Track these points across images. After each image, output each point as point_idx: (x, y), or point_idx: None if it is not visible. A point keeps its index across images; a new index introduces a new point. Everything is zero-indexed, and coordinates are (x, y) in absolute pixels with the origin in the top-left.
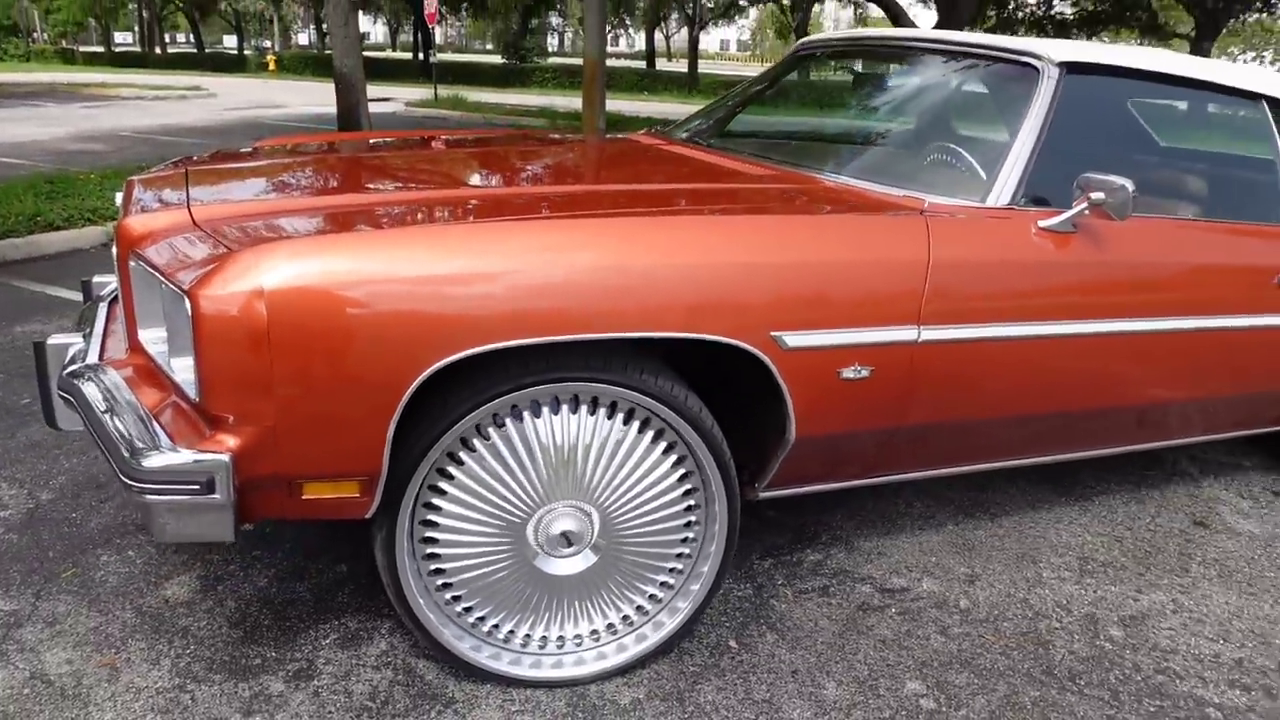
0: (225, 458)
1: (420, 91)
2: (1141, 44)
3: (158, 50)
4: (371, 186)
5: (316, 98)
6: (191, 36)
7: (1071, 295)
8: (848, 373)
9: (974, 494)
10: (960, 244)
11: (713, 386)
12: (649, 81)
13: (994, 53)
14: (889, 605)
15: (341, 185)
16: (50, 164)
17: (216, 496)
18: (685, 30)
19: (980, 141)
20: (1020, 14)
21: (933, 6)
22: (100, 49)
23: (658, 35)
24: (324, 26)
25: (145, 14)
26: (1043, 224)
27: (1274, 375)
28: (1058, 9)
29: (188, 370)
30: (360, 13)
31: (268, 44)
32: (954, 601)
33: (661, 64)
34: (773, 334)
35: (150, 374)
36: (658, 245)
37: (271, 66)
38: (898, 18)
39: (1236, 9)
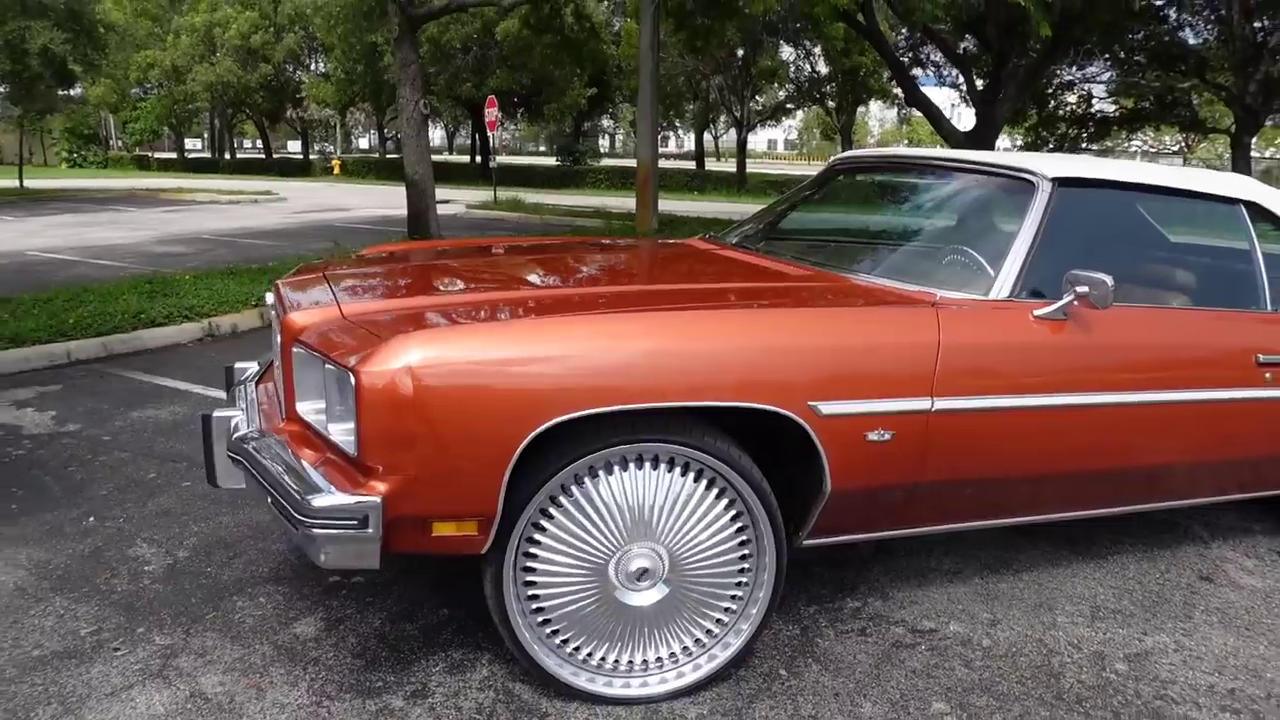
0: (377, 499)
1: (480, 193)
2: (1184, 139)
3: (227, 156)
4: (477, 287)
5: (379, 200)
6: (259, 142)
7: (1064, 372)
8: (873, 435)
9: (998, 552)
10: (966, 330)
11: (765, 453)
12: (698, 181)
13: (997, 169)
14: (919, 643)
15: (452, 286)
16: (140, 265)
17: (369, 530)
18: (734, 131)
19: (985, 244)
20: (1061, 112)
21: (973, 106)
22: (173, 155)
23: (706, 136)
24: (385, 132)
25: (217, 122)
26: (1038, 313)
27: (1265, 442)
28: (1098, 106)
29: (345, 432)
30: None
31: (331, 149)
32: (977, 641)
33: (711, 163)
34: (810, 403)
35: (304, 438)
36: (716, 333)
37: (336, 171)
38: (937, 120)
39: (1276, 104)
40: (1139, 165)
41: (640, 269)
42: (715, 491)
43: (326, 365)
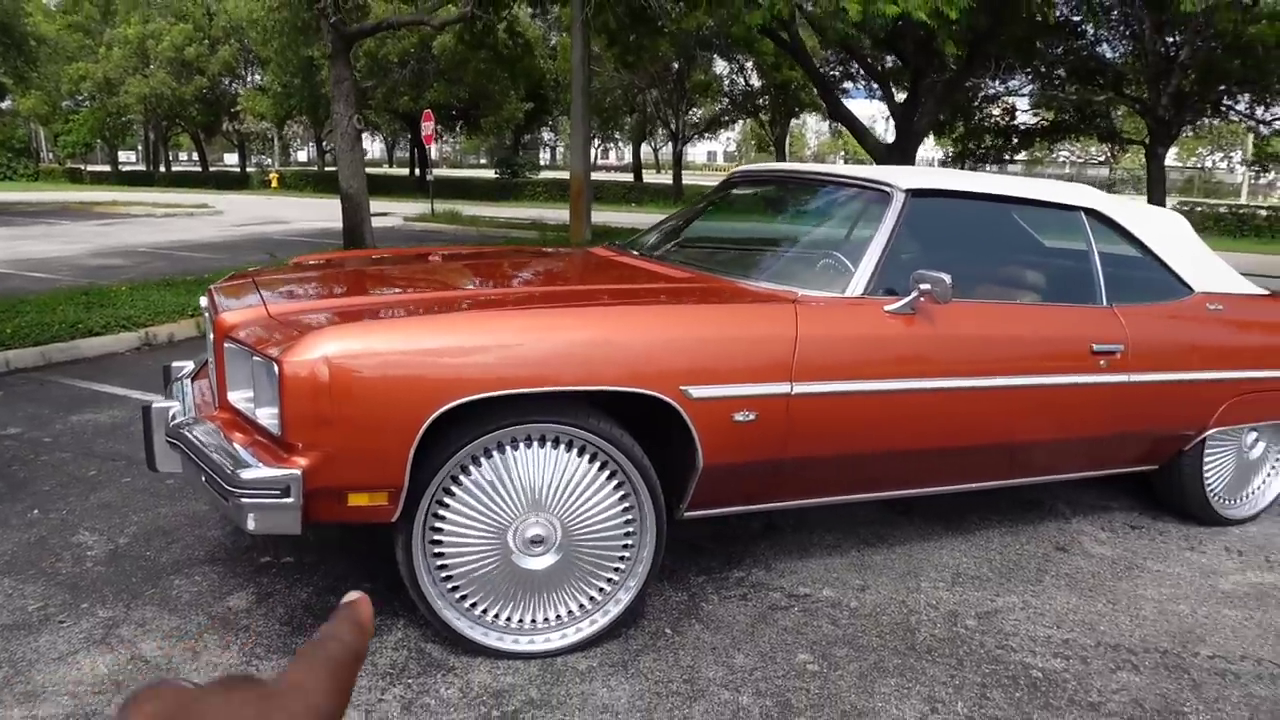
0: (298, 472)
1: (418, 206)
2: (1110, 150)
3: (163, 169)
4: (392, 289)
5: (318, 213)
6: (195, 155)
7: (912, 360)
8: (739, 416)
9: (875, 528)
10: (821, 323)
11: (648, 435)
12: (636, 194)
13: (861, 182)
14: (793, 605)
15: (371, 288)
16: (75, 278)
17: (291, 500)
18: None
19: (848, 248)
20: (986, 124)
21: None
22: (107, 168)
23: (646, 149)
24: (323, 144)
25: (151, 135)
26: (888, 308)
27: (1106, 423)
28: (1021, 119)
29: (271, 416)
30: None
31: (269, 162)
32: (846, 603)
33: (650, 175)
34: (681, 388)
35: (235, 424)
36: (599, 326)
37: (274, 184)
38: (860, 134)
39: (1187, 117)
40: (991, 177)
41: (542, 273)
42: (601, 468)
43: (254, 357)
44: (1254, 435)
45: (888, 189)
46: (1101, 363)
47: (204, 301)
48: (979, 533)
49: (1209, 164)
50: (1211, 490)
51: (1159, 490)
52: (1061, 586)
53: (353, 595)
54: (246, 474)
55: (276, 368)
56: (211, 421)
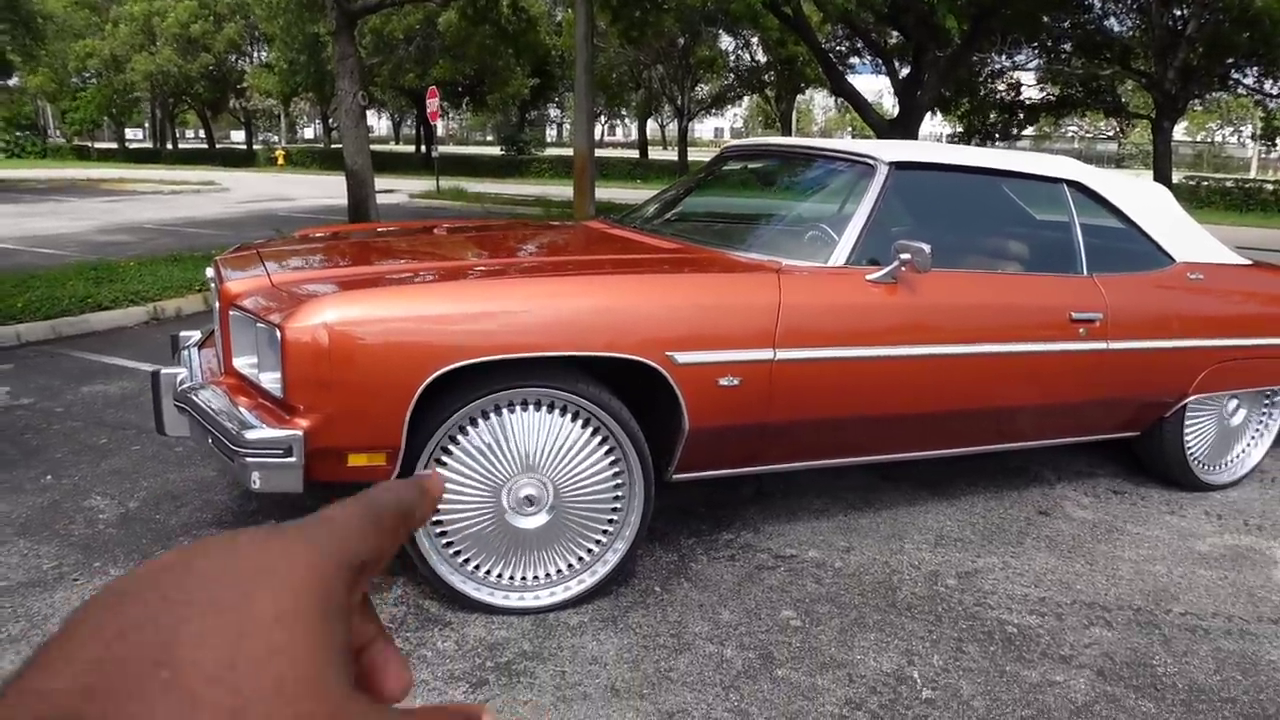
0: (300, 433)
1: (423, 183)
2: (1119, 125)
3: (169, 146)
4: (391, 260)
5: (323, 190)
6: (201, 132)
7: (894, 328)
8: (723, 381)
9: (862, 493)
10: (803, 292)
11: (638, 400)
12: (641, 170)
13: (848, 155)
14: (779, 566)
15: (371, 259)
16: (83, 253)
17: (293, 459)
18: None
19: (833, 219)
20: (992, 99)
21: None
22: (114, 145)
23: (652, 125)
24: (329, 122)
25: (158, 112)
26: (869, 277)
27: (1086, 390)
28: (1027, 94)
29: (274, 380)
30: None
31: (275, 139)
32: (830, 563)
33: (657, 151)
34: (668, 353)
35: (240, 388)
36: (588, 294)
37: (280, 161)
38: (863, 109)
39: (1194, 90)
40: (974, 150)
41: (536, 245)
42: (592, 431)
43: (258, 324)
44: (1234, 403)
45: (871, 162)
46: (1081, 330)
47: (210, 272)
48: (963, 497)
49: (1219, 138)
50: (1193, 456)
51: (1142, 456)
52: (1041, 548)
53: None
54: (251, 434)
55: (279, 333)
56: (217, 386)
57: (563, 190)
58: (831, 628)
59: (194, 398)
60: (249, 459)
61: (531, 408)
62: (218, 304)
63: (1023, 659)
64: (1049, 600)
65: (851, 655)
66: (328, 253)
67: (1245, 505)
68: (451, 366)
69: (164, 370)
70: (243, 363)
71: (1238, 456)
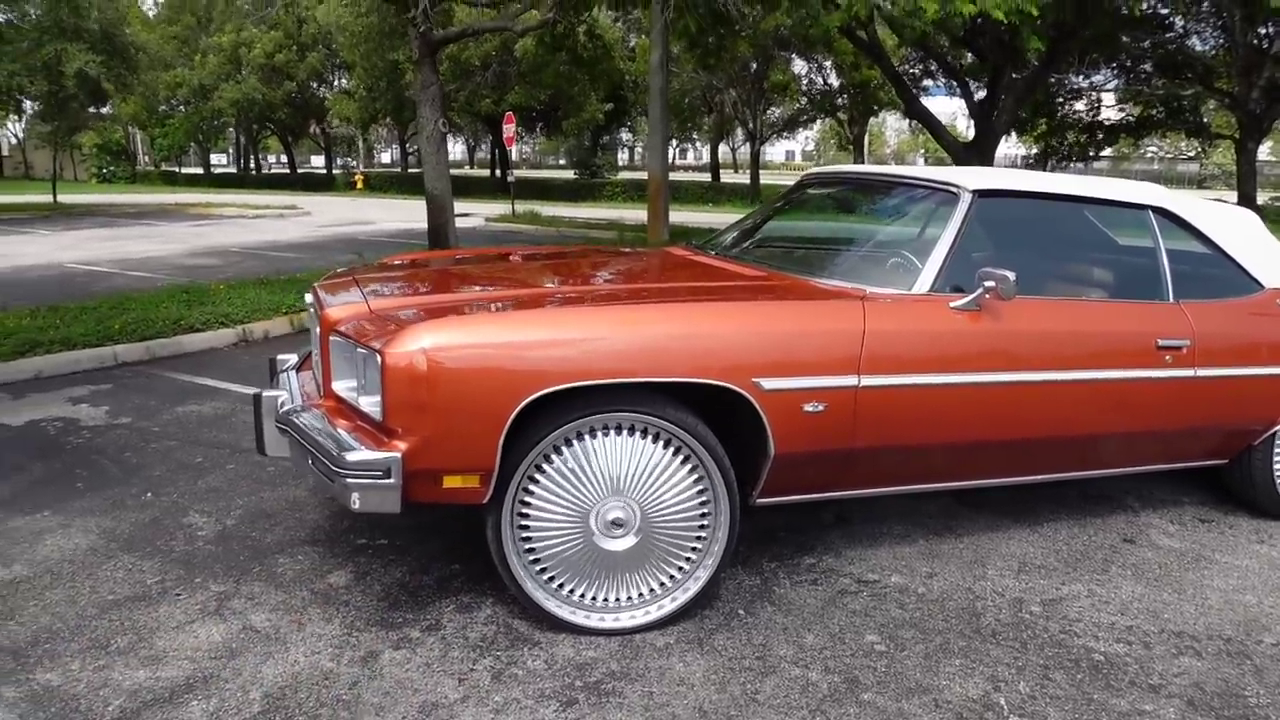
0: (398, 455)
1: (499, 207)
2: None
3: (253, 171)
4: (479, 286)
5: (402, 214)
6: (283, 157)
7: (978, 355)
8: (809, 407)
9: (943, 519)
10: (888, 319)
11: (724, 425)
12: (713, 194)
13: (930, 183)
14: (863, 591)
15: (463, 285)
16: (174, 276)
17: (392, 480)
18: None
19: (916, 247)
20: (1069, 120)
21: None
22: (199, 170)
23: (724, 148)
24: (407, 146)
25: (242, 138)
26: (953, 305)
27: (1173, 418)
28: (1106, 114)
29: (373, 403)
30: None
31: (354, 163)
32: (914, 589)
33: (728, 175)
34: (754, 380)
35: (339, 411)
36: (677, 321)
37: (359, 185)
38: (937, 131)
39: (1279, 110)
40: (1057, 177)
41: (622, 271)
42: (678, 455)
43: (358, 349)
44: None
45: (955, 190)
46: (1167, 358)
47: (309, 298)
48: (1046, 525)
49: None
50: None
51: (1230, 484)
52: (1128, 576)
53: None
54: (351, 456)
55: (379, 359)
56: (317, 409)
57: (636, 214)
58: (916, 653)
59: (295, 420)
60: (349, 480)
61: (620, 432)
62: (318, 329)
63: (1111, 687)
64: (1136, 629)
65: (937, 681)
66: (420, 279)
67: None
68: (545, 391)
69: (265, 393)
70: (342, 386)
71: None
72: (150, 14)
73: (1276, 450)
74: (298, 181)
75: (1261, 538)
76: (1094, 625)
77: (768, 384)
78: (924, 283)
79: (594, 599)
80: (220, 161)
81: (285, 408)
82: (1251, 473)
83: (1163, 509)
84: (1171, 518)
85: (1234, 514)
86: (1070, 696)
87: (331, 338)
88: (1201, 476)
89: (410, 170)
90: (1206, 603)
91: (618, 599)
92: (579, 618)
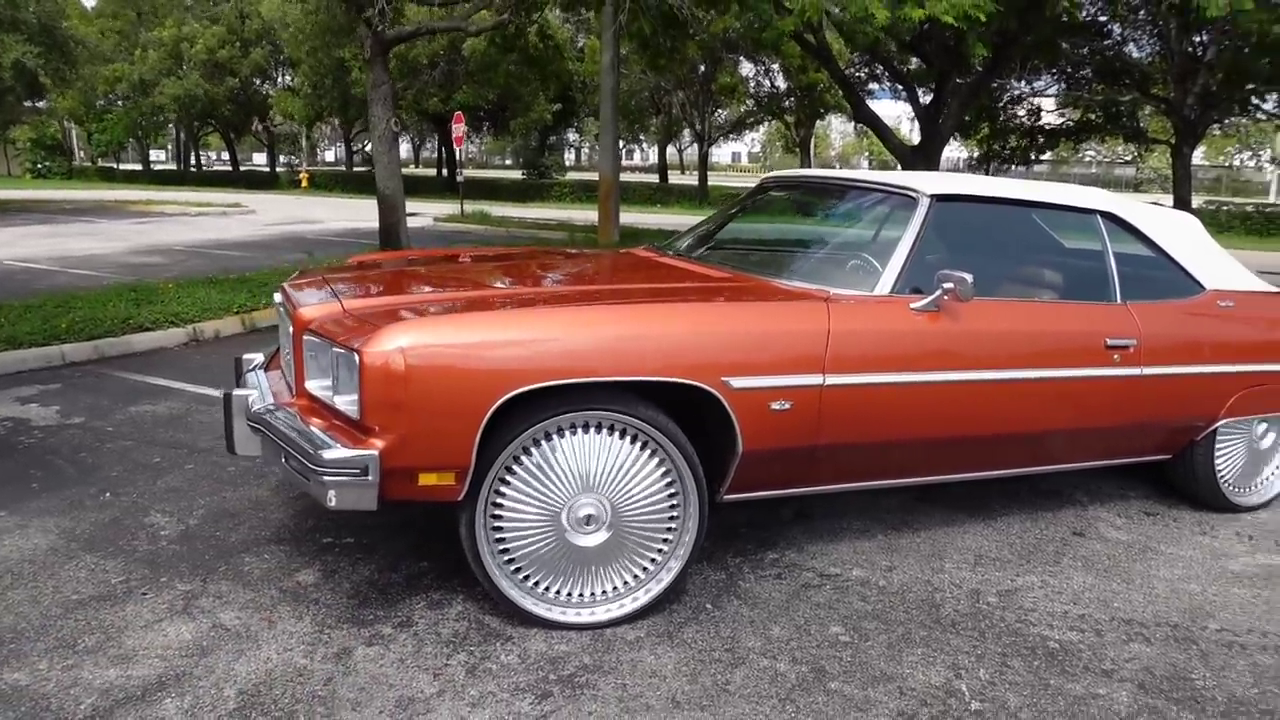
0: (375, 453)
1: (447, 207)
2: (1137, 150)
3: (193, 168)
4: (451, 285)
5: (349, 213)
6: (223, 154)
7: (937, 355)
8: (775, 405)
9: (902, 515)
10: (851, 320)
11: (692, 423)
12: (661, 194)
13: (888, 187)
14: (825, 584)
15: (438, 285)
16: (119, 275)
17: (369, 478)
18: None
19: (876, 249)
20: (1011, 125)
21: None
22: (138, 167)
23: (671, 149)
24: (353, 145)
25: (183, 134)
26: (913, 305)
27: (1120, 414)
28: (1046, 119)
29: (349, 402)
30: None
31: (297, 162)
32: (875, 582)
33: (675, 176)
34: (723, 379)
35: (312, 410)
36: (646, 322)
37: (304, 184)
38: (885, 135)
39: (1214, 116)
40: (1011, 182)
41: (588, 273)
42: (648, 452)
43: (334, 349)
44: (1264, 426)
45: (914, 194)
46: (1115, 357)
47: (278, 297)
48: (1000, 519)
49: (1237, 163)
50: (1223, 478)
51: (1173, 479)
52: (1079, 567)
53: None
54: (328, 454)
55: (357, 358)
56: (290, 407)
57: (585, 214)
58: (879, 643)
59: (269, 419)
60: (326, 478)
61: (591, 430)
62: (290, 328)
63: (1066, 673)
64: (1088, 617)
65: (901, 669)
66: (392, 279)
67: (1276, 526)
68: (520, 390)
69: (235, 392)
70: (316, 385)
71: (1267, 479)
72: (90, 5)
73: (1218, 445)
74: (240, 179)
75: (1204, 529)
76: (1048, 614)
77: (736, 383)
78: (885, 284)
79: (568, 594)
80: (159, 158)
81: (256, 406)
82: (1194, 467)
83: (1110, 503)
84: (1119, 511)
85: (1177, 507)
86: (1028, 682)
87: (305, 337)
88: (1146, 471)
89: (356, 169)
90: (1154, 592)
91: (591, 594)
92: (554, 613)
